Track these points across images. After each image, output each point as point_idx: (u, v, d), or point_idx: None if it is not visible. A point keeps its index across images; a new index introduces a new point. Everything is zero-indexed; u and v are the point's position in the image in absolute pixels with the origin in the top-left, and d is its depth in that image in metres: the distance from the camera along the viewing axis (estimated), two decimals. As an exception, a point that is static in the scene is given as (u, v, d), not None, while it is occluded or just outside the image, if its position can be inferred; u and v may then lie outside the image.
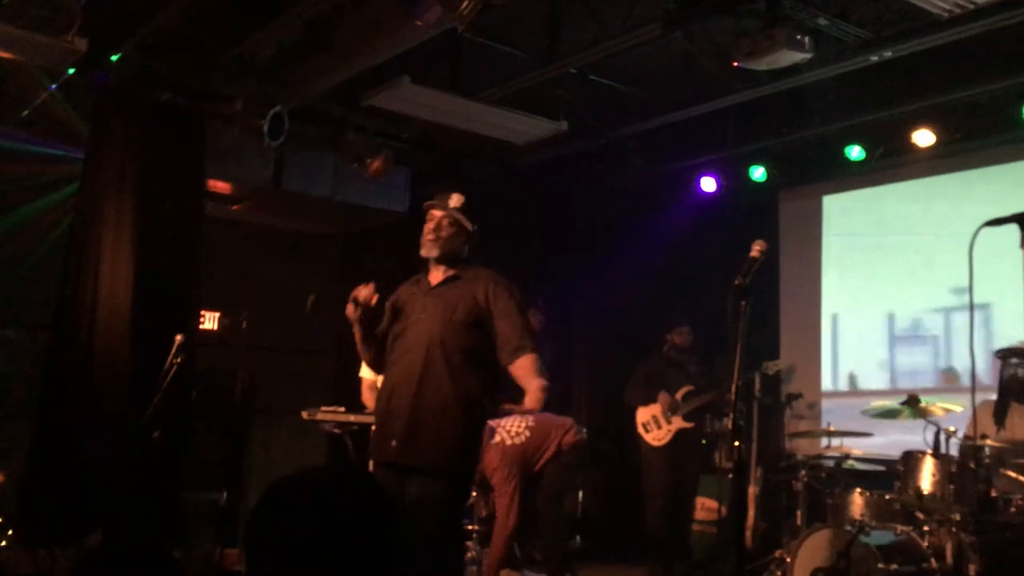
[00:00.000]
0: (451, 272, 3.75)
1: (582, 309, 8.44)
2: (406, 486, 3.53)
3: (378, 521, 1.51)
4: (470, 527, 6.54)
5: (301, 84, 5.91)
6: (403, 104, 6.12)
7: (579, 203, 8.16)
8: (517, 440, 5.63)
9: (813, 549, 4.88)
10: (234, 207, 6.99)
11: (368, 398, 6.17)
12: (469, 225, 3.75)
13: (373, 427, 5.87)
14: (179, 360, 5.07)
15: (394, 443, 3.57)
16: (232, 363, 5.90)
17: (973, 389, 3.07)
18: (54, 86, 5.73)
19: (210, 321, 6.75)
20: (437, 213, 3.75)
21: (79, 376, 5.38)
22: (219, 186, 6.50)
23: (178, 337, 5.10)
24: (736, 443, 3.27)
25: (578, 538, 6.85)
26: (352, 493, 1.52)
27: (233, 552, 5.64)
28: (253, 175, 6.46)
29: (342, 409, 5.72)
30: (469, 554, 6.26)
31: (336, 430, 5.73)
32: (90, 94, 5.71)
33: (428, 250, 3.73)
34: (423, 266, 3.84)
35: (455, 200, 3.76)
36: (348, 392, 6.27)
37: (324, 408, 5.69)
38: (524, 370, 3.61)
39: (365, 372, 6.21)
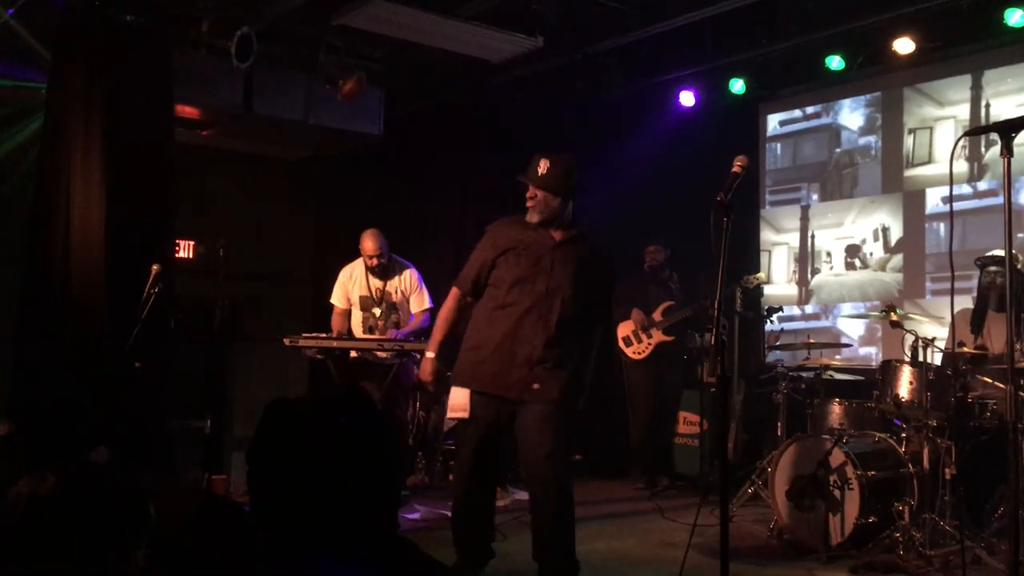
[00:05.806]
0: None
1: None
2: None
3: (377, 442, 1.54)
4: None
5: (268, 3, 5.72)
6: (375, 22, 5.95)
7: (557, 121, 8.03)
8: None
9: (793, 459, 4.98)
10: (204, 132, 6.81)
11: (337, 323, 6.17)
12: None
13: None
14: (157, 290, 5.04)
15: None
16: (209, 292, 5.82)
17: (952, 297, 3.08)
18: (11, 11, 5.50)
19: (185, 250, 6.65)
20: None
21: (55, 311, 5.29)
22: (188, 111, 6.31)
23: (155, 267, 5.06)
24: (719, 358, 3.28)
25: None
26: (353, 414, 1.54)
27: (220, 478, 5.69)
28: (223, 99, 6.28)
29: (324, 335, 5.74)
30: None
31: (319, 356, 5.75)
32: (49, 17, 5.49)
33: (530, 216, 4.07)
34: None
35: (542, 167, 4.04)
36: (325, 318, 6.25)
37: (306, 334, 5.70)
38: None
39: (336, 299, 6.21)
